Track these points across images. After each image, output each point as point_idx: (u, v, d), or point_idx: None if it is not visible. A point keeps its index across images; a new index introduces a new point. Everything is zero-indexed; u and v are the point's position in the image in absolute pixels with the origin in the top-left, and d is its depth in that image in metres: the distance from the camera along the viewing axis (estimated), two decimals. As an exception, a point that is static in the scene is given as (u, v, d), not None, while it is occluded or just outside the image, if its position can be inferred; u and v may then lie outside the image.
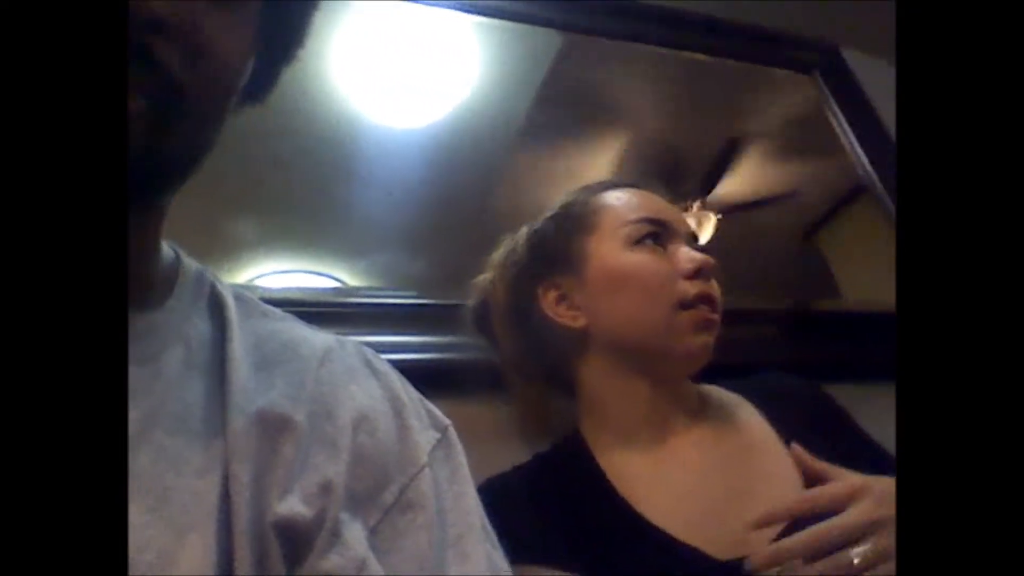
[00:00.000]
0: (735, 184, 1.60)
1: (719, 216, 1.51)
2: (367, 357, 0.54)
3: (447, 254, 1.11)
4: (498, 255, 0.83)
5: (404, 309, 0.93)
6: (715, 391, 0.78)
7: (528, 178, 1.34)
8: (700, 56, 1.59)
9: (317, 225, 1.13)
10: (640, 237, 0.75)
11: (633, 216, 0.76)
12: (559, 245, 0.78)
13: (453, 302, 0.87)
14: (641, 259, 0.74)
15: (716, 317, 0.74)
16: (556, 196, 0.86)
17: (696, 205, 1.53)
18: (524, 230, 0.83)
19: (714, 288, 0.75)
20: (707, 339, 0.73)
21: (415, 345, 0.87)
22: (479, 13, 1.36)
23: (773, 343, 1.10)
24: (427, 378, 0.57)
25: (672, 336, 0.72)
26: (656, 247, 0.75)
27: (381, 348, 0.78)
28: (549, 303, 0.77)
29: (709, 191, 1.58)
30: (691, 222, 1.58)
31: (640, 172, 1.54)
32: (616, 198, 0.79)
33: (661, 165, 1.60)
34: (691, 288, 0.73)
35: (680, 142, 1.61)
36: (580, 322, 0.75)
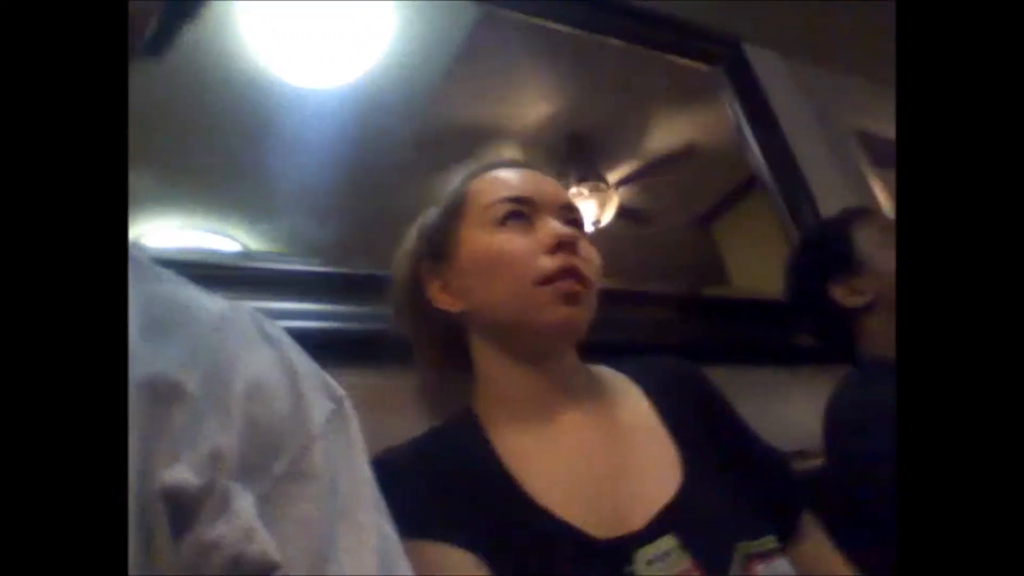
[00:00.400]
0: (635, 165, 1.66)
1: (616, 189, 1.55)
2: (262, 324, 0.52)
3: (352, 222, 1.10)
4: (399, 250, 0.84)
5: (307, 276, 0.92)
6: (605, 372, 0.81)
7: (436, 148, 1.34)
8: (610, 39, 1.62)
9: (219, 183, 1.09)
10: (503, 217, 0.76)
11: (496, 197, 0.77)
12: (439, 234, 0.79)
13: (357, 271, 0.87)
14: (502, 239, 0.75)
15: (580, 288, 0.72)
16: (461, 169, 0.86)
17: (595, 184, 1.57)
18: (419, 220, 0.84)
19: (582, 261, 0.74)
20: (571, 312, 0.72)
21: (317, 313, 0.87)
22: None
23: (665, 325, 1.15)
24: (328, 347, 0.58)
25: (533, 311, 0.72)
26: (522, 225, 0.75)
27: (282, 315, 0.78)
28: (433, 292, 0.78)
29: (610, 170, 1.63)
30: (591, 200, 1.64)
31: (543, 149, 1.57)
32: (486, 180, 0.80)
33: (564, 143, 1.63)
34: (551, 262, 0.72)
35: (584, 122, 1.64)
36: (459, 307, 0.77)
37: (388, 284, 0.83)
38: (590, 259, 0.75)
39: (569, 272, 0.72)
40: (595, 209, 1.59)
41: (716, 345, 1.08)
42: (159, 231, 1.04)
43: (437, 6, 1.42)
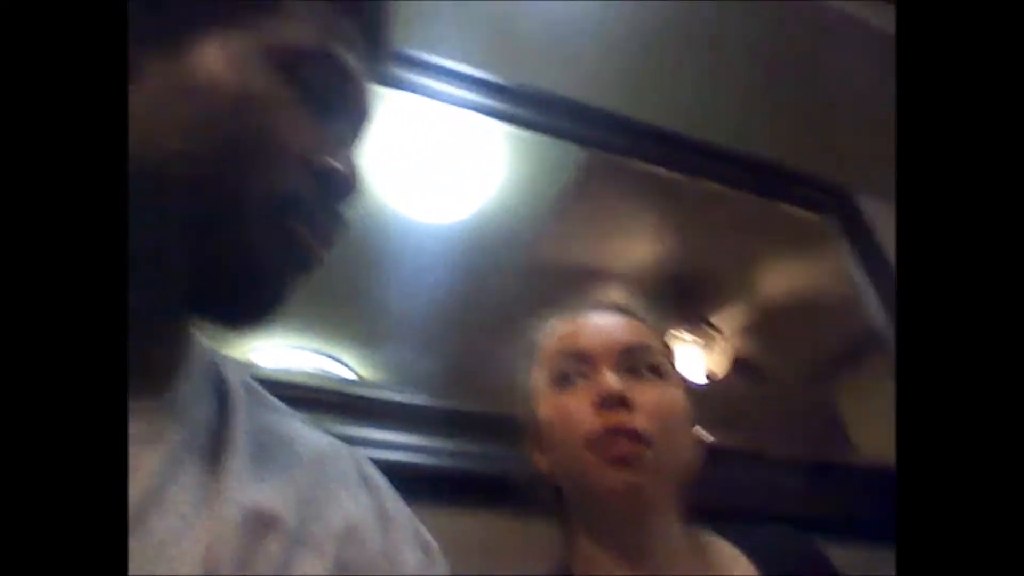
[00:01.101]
0: (745, 312, 1.62)
1: (724, 338, 1.51)
2: (361, 466, 0.53)
3: (459, 356, 1.10)
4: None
5: (412, 409, 0.91)
6: (714, 543, 0.74)
7: (542, 286, 1.35)
8: (715, 186, 1.63)
9: (334, 307, 1.13)
10: (559, 376, 0.73)
11: (554, 353, 0.75)
12: (523, 390, 0.77)
13: (461, 407, 0.86)
14: (557, 399, 0.72)
15: (633, 450, 0.66)
16: (568, 303, 0.85)
17: (704, 331, 1.54)
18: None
19: (640, 415, 0.67)
20: (624, 476, 0.66)
21: (418, 447, 0.86)
22: (508, 121, 1.40)
23: (782, 490, 1.06)
24: (424, 482, 0.56)
25: (587, 477, 0.67)
26: (579, 382, 0.71)
27: (383, 445, 0.77)
28: (528, 448, 0.76)
29: (720, 317, 1.60)
30: (697, 347, 1.59)
31: (647, 292, 1.56)
32: (550, 334, 0.77)
33: (670, 287, 1.62)
34: (597, 422, 0.67)
35: (691, 267, 1.63)
36: (545, 467, 0.74)
37: (492, 422, 0.81)
38: (656, 410, 0.69)
39: (618, 430, 0.67)
40: (705, 358, 1.54)
41: (837, 517, 0.99)
42: (272, 349, 1.06)
43: (546, 148, 1.46)
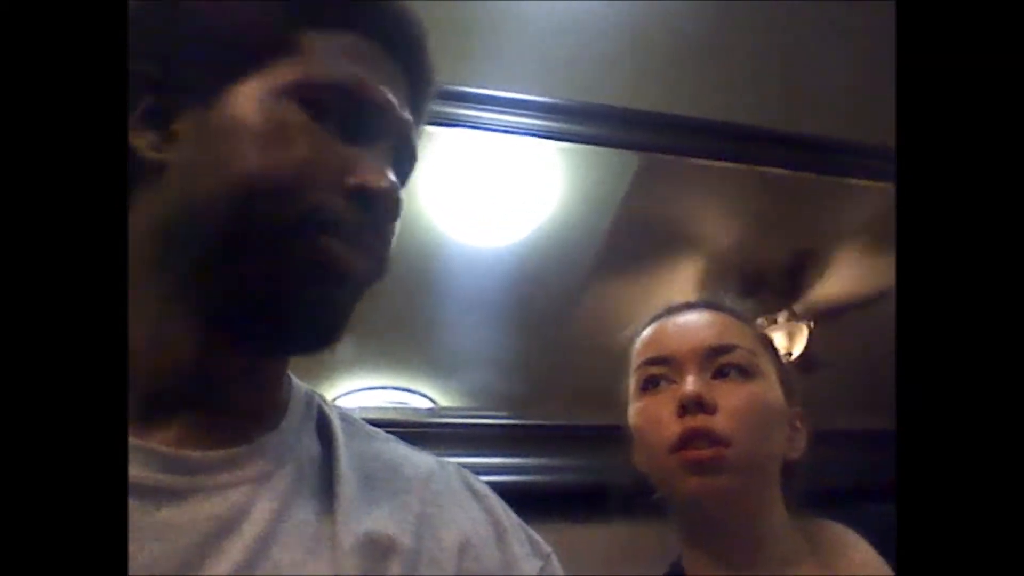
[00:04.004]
0: (823, 292, 1.58)
1: (810, 324, 1.47)
2: (468, 480, 0.54)
3: (532, 373, 1.11)
4: None
5: (497, 429, 0.93)
6: (828, 527, 0.72)
7: (609, 295, 1.35)
8: (776, 170, 1.59)
9: (407, 343, 1.15)
10: (643, 382, 0.73)
11: (639, 361, 0.75)
12: (623, 399, 0.78)
13: (546, 422, 0.87)
14: (642, 406, 0.72)
15: (710, 455, 0.66)
16: (637, 313, 0.85)
17: (783, 316, 1.50)
18: None
19: (720, 418, 0.67)
20: (702, 482, 0.66)
21: (509, 467, 0.87)
22: (559, 139, 1.42)
23: (883, 466, 1.03)
24: (519, 500, 0.57)
25: (670, 482, 0.69)
26: (663, 387, 0.71)
27: (474, 469, 0.78)
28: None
29: (796, 301, 1.56)
30: (780, 334, 1.55)
31: (722, 287, 1.54)
32: (639, 341, 0.77)
33: (743, 279, 1.59)
34: (677, 427, 0.68)
35: (761, 256, 1.60)
36: (643, 472, 0.74)
37: (580, 434, 0.82)
38: (740, 411, 0.68)
39: (697, 435, 0.67)
40: (784, 341, 1.51)
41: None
42: (353, 394, 1.10)
43: (600, 159, 1.47)
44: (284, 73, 0.45)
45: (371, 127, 0.48)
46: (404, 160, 0.52)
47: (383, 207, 0.46)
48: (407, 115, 0.51)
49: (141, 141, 0.45)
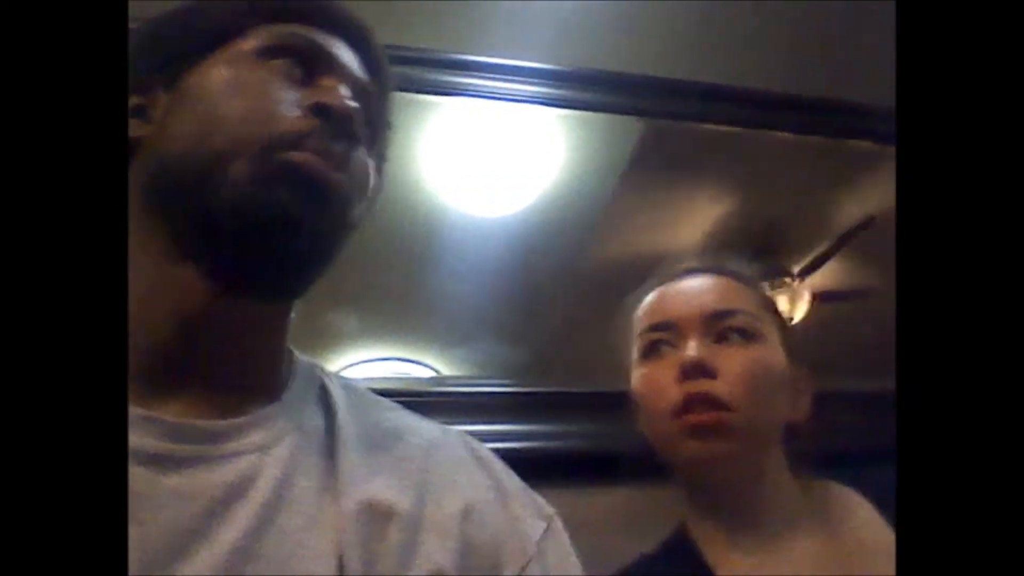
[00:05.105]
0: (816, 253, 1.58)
1: (814, 294, 1.47)
2: (472, 446, 0.55)
3: (537, 341, 1.11)
4: None
5: (501, 397, 0.93)
6: (833, 488, 0.73)
7: (612, 262, 1.35)
8: (781, 134, 1.58)
9: (411, 314, 1.16)
10: (646, 348, 0.73)
11: (641, 327, 0.75)
12: (626, 367, 0.78)
13: (549, 389, 0.87)
14: (644, 371, 0.72)
15: (711, 419, 0.66)
16: (640, 279, 0.85)
17: (789, 281, 1.50)
18: None
19: (721, 383, 0.67)
20: (701, 446, 0.66)
21: (512, 434, 0.87)
22: (560, 106, 1.40)
23: (887, 428, 1.03)
24: (523, 466, 0.57)
25: (672, 446, 0.69)
26: (666, 352, 0.72)
27: (479, 437, 0.79)
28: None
29: (795, 262, 1.56)
30: (783, 300, 1.56)
31: (721, 251, 1.53)
32: (641, 307, 0.77)
33: (748, 243, 1.58)
34: (678, 392, 0.68)
35: (760, 218, 1.59)
36: (647, 433, 0.74)
37: (583, 401, 0.82)
38: (742, 375, 0.68)
39: (698, 399, 0.67)
40: (786, 305, 1.51)
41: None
42: (357, 366, 1.10)
43: (602, 125, 1.46)
44: (241, 45, 0.50)
45: (326, 71, 0.51)
46: (374, 125, 0.54)
47: (344, 121, 0.48)
48: (363, 75, 0.53)
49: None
